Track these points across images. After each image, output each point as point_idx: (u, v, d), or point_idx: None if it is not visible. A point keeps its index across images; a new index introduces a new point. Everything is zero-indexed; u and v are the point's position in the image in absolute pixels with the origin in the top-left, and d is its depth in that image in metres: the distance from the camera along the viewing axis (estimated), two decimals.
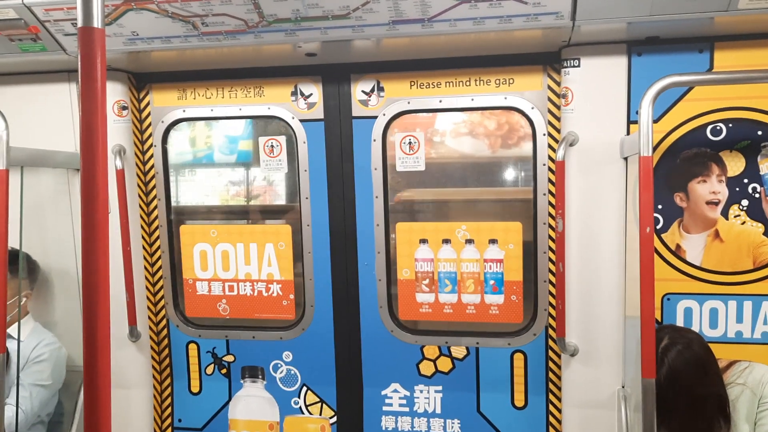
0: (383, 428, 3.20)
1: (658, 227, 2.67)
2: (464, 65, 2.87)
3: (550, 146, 2.83)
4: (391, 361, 3.15)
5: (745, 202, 2.59)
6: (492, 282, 3.00)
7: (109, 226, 1.06)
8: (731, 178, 2.59)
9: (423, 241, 3.05)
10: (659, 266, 2.63)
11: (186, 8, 2.44)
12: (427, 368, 3.13)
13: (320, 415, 3.26)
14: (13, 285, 2.92)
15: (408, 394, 3.16)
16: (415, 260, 3.07)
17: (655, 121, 2.57)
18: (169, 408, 3.38)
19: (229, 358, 3.31)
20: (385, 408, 3.19)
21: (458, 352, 3.08)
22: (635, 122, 2.58)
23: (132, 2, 2.44)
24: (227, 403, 3.33)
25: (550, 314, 2.92)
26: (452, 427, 3.13)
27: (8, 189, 2.49)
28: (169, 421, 3.38)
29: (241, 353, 3.30)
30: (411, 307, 3.11)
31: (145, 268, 3.22)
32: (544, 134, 2.84)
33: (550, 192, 2.84)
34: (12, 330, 2.92)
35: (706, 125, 2.58)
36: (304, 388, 3.26)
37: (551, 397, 2.99)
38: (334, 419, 3.25)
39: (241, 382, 3.31)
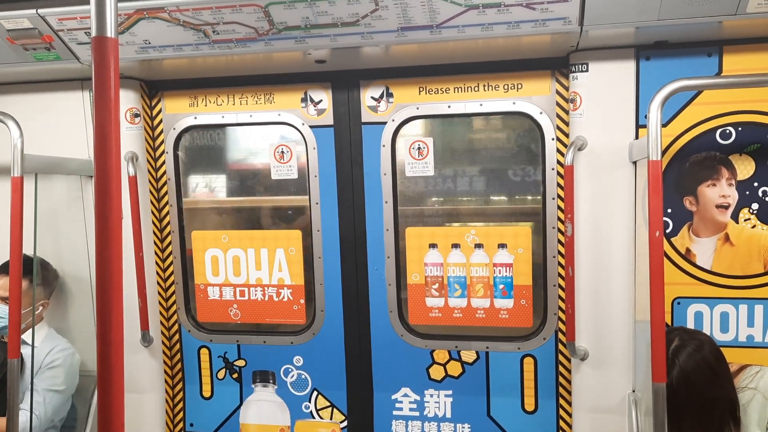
0: None
1: (668, 231, 2.66)
2: (473, 71, 2.88)
3: (558, 151, 2.84)
4: (401, 365, 3.16)
5: (755, 206, 2.58)
6: (501, 286, 3.00)
7: (122, 232, 1.07)
8: (741, 181, 2.58)
9: (432, 245, 3.06)
10: (669, 270, 2.62)
11: (197, 17, 2.47)
12: (437, 372, 3.13)
13: (331, 419, 3.27)
14: (30, 292, 2.96)
15: (418, 398, 3.17)
16: (425, 265, 3.08)
17: (664, 125, 2.57)
18: (181, 412, 3.40)
19: (241, 363, 3.33)
20: (395, 412, 3.19)
21: (468, 356, 3.08)
22: (644, 126, 2.58)
23: (144, 11, 2.47)
24: (238, 407, 3.35)
25: (559, 318, 2.92)
26: (462, 431, 3.13)
27: (23, 196, 2.52)
28: (181, 425, 3.40)
29: (252, 358, 3.31)
30: (421, 312, 3.12)
31: (158, 273, 3.24)
32: (553, 139, 2.84)
33: (559, 196, 2.84)
34: (26, 336, 2.95)
35: (715, 129, 2.57)
36: (315, 393, 3.27)
37: (562, 401, 2.99)
38: (345, 423, 3.26)
39: (252, 386, 3.33)
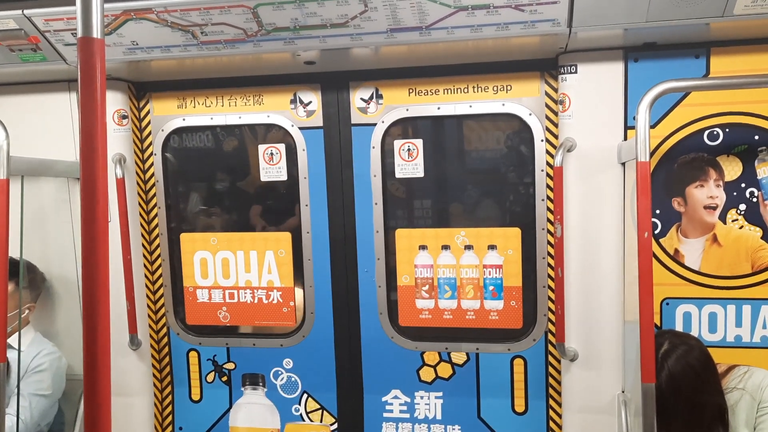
0: None
1: (657, 232, 2.67)
2: (462, 72, 2.89)
3: (548, 152, 2.84)
4: (391, 367, 3.15)
5: (742, 207, 2.60)
6: (491, 288, 3.01)
7: (109, 234, 1.06)
8: (729, 182, 2.60)
9: (422, 247, 3.06)
10: (658, 271, 2.63)
11: (185, 18, 2.45)
12: (427, 374, 3.13)
13: (321, 422, 3.26)
14: (16, 295, 2.93)
15: (408, 400, 3.16)
16: (415, 266, 3.08)
17: (652, 127, 2.58)
18: (170, 416, 3.38)
19: (230, 366, 3.31)
20: (385, 414, 3.19)
21: (458, 357, 3.08)
22: (632, 128, 2.59)
23: (132, 12, 2.45)
24: (228, 410, 3.33)
25: (549, 319, 2.93)
26: None
27: (9, 198, 2.50)
28: (170, 429, 3.38)
29: (242, 361, 3.30)
30: (411, 313, 3.12)
31: (146, 276, 3.22)
32: (542, 140, 2.85)
33: (548, 198, 2.85)
34: (12, 340, 2.92)
35: (703, 130, 2.59)
36: (305, 395, 3.26)
37: (551, 402, 2.99)
38: (335, 426, 3.25)
39: (242, 389, 3.31)
